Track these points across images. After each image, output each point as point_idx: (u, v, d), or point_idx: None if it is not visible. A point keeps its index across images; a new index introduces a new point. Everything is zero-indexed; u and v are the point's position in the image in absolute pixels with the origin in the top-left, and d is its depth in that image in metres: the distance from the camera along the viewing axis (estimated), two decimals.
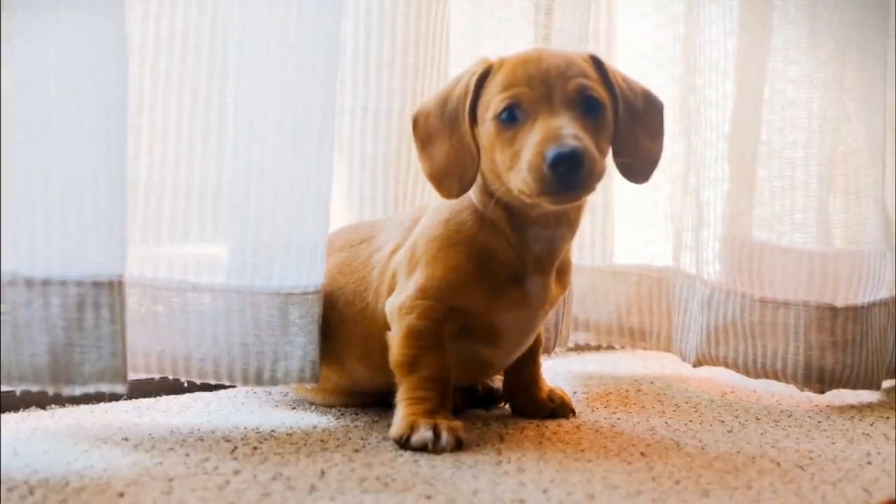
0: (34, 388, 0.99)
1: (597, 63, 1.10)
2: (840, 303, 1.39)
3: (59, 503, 0.85)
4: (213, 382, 1.18)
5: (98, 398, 1.23)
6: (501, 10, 1.49)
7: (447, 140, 1.10)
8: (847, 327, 1.38)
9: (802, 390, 1.40)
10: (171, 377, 1.17)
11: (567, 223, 1.12)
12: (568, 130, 1.00)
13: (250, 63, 1.14)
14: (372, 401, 1.25)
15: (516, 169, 1.02)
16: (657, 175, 1.57)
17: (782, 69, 1.44)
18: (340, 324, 1.19)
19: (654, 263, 1.61)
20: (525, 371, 1.24)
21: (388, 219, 1.29)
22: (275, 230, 1.15)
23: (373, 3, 1.35)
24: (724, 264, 1.45)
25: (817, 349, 1.38)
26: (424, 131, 1.12)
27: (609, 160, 1.10)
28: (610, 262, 1.63)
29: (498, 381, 1.30)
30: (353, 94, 1.37)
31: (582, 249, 1.60)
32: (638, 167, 1.13)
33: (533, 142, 1.01)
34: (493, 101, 1.06)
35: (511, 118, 1.04)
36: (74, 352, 0.99)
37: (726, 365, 1.44)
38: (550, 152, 0.98)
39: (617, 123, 1.09)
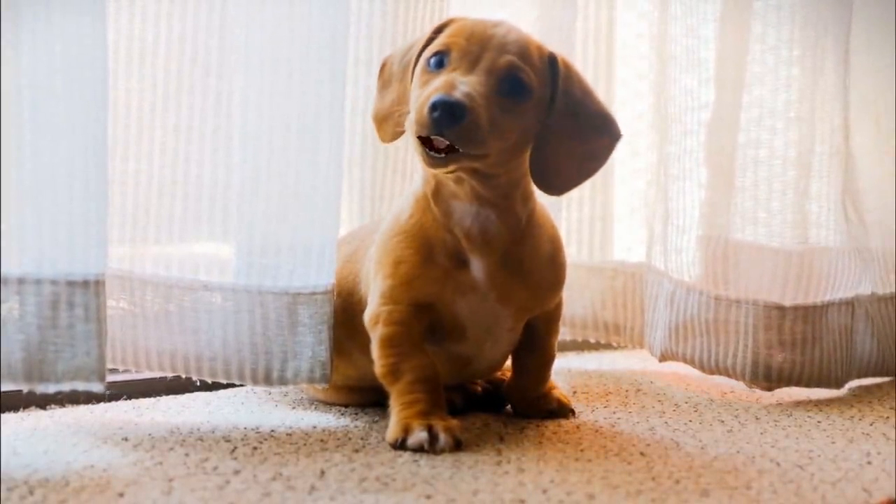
0: (8, 387, 0.99)
1: (552, 62, 1.08)
2: (789, 302, 1.39)
3: (58, 503, 0.85)
4: (223, 382, 1.18)
5: (98, 398, 1.23)
6: (501, 9, 1.49)
7: (398, 85, 1.12)
8: (796, 326, 1.39)
9: (751, 388, 1.41)
10: (183, 375, 1.17)
11: (488, 203, 1.08)
12: (464, 87, 1.00)
13: (258, 62, 1.14)
14: (375, 400, 1.24)
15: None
16: (645, 172, 1.58)
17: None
18: (348, 313, 1.19)
19: (629, 259, 1.61)
20: (530, 378, 1.23)
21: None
22: (283, 230, 1.15)
23: (351, 4, 1.35)
24: (686, 261, 1.46)
25: (765, 347, 1.39)
26: (386, 75, 1.15)
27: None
28: (610, 258, 1.63)
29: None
30: None
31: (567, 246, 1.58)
32: (548, 179, 1.10)
33: (431, 87, 1.02)
34: (431, 47, 1.07)
35: (438, 64, 1.05)
36: (48, 350, 0.99)
37: (685, 360, 1.45)
38: (435, 97, 0.99)
39: (547, 125, 1.07)
